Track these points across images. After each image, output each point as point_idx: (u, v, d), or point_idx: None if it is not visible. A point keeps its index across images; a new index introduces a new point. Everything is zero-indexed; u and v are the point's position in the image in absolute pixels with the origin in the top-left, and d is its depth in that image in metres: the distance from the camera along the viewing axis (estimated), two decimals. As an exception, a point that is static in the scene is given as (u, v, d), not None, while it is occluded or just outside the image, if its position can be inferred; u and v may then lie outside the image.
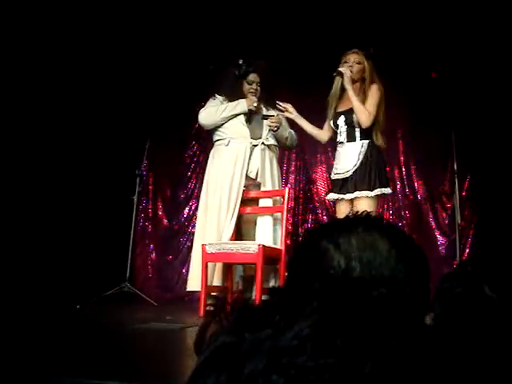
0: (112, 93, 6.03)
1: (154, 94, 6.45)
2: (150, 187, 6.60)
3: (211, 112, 4.71)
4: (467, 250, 6.06)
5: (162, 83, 6.44)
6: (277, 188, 4.76)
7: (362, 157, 4.11)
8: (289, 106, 4.53)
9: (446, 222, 6.21)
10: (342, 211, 4.10)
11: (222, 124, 4.71)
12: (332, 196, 4.25)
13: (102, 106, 5.97)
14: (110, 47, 5.95)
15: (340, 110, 4.28)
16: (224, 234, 4.52)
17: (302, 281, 0.89)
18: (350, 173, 4.11)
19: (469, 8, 5.70)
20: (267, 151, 4.73)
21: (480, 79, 5.95)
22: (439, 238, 6.22)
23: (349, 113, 4.20)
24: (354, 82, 4.20)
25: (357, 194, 4.04)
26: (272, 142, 4.77)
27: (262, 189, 4.70)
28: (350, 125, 4.19)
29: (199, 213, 4.82)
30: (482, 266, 1.12)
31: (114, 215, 5.97)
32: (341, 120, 4.23)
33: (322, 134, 4.48)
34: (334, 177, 4.28)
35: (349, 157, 4.16)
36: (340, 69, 4.19)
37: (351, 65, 4.20)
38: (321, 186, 6.49)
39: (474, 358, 1.08)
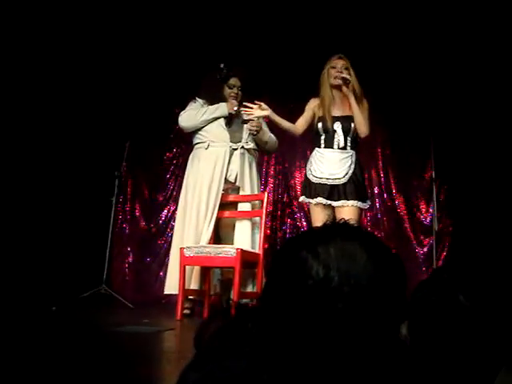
0: (92, 94, 6.00)
1: (135, 96, 6.42)
2: (129, 189, 6.57)
3: (191, 115, 4.72)
4: (443, 257, 6.13)
5: (142, 85, 6.41)
6: (256, 192, 4.77)
7: (353, 166, 4.17)
8: (262, 104, 4.39)
9: (424, 229, 6.26)
10: (322, 217, 4.09)
11: (202, 127, 4.71)
12: (319, 200, 4.19)
13: (82, 107, 5.93)
14: (90, 48, 5.92)
15: (334, 114, 4.27)
16: (202, 237, 4.52)
17: (281, 291, 0.89)
18: (343, 181, 4.14)
19: (446, 17, 5.77)
20: (247, 155, 4.74)
21: (458, 88, 6.02)
22: (416, 245, 6.27)
23: (346, 120, 4.23)
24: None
25: (352, 202, 4.09)
26: (252, 145, 4.78)
27: (241, 193, 4.71)
28: (346, 132, 4.22)
29: (178, 216, 4.81)
30: (457, 274, 1.13)
31: (92, 217, 5.94)
32: (337, 126, 4.23)
33: (297, 129, 4.40)
34: (317, 180, 4.23)
35: (340, 164, 4.18)
36: (345, 75, 4.20)
37: (341, 71, 4.22)
38: (300, 191, 6.50)
39: (447, 366, 1.09)
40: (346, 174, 4.14)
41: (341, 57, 4.29)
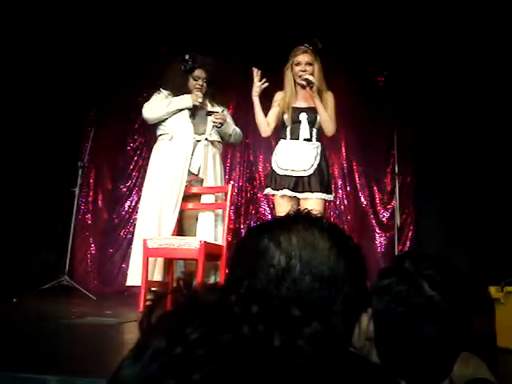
0: (54, 81, 5.91)
1: (98, 85, 6.36)
2: (91, 180, 6.51)
3: (155, 106, 4.68)
4: (405, 249, 6.21)
5: (106, 74, 6.35)
6: (219, 184, 4.76)
7: (319, 158, 4.16)
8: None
9: (386, 221, 6.34)
10: (286, 209, 4.07)
11: (166, 119, 4.68)
12: (285, 192, 4.19)
13: (43, 95, 5.84)
14: (49, 37, 5.83)
15: (299, 106, 4.28)
16: (166, 229, 4.51)
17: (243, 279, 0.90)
18: (308, 172, 4.14)
19: (416, 8, 5.83)
20: (210, 147, 4.73)
21: (424, 82, 6.09)
22: (379, 236, 6.35)
23: (312, 111, 4.23)
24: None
25: (317, 195, 4.08)
26: (216, 138, 4.77)
27: (204, 185, 4.70)
28: (311, 123, 4.23)
29: (141, 207, 4.78)
30: (419, 263, 1.15)
31: (55, 207, 5.87)
32: (303, 117, 4.24)
33: (269, 130, 4.39)
34: (282, 172, 4.22)
35: (305, 156, 4.18)
36: (309, 77, 4.19)
37: (304, 69, 4.21)
38: (264, 182, 6.52)
39: (409, 354, 1.11)
40: (312, 165, 4.14)
41: (305, 50, 4.25)
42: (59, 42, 5.90)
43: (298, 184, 4.16)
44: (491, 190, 5.65)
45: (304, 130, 4.23)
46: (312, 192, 4.10)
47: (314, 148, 4.20)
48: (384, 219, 6.38)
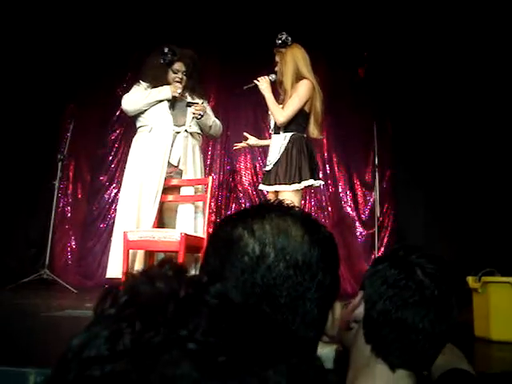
0: (31, 74, 5.86)
1: (77, 77, 6.32)
2: (71, 172, 6.47)
3: (135, 98, 4.66)
4: (385, 242, 6.26)
5: (85, 66, 6.31)
6: (199, 176, 4.76)
7: (282, 149, 4.10)
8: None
9: (367, 213, 6.38)
10: None
11: (145, 110, 4.66)
12: (260, 187, 4.28)
13: (21, 88, 5.79)
14: (26, 30, 5.78)
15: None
16: (145, 221, 4.49)
17: (217, 268, 0.90)
18: (271, 165, 4.14)
19: (394, 2, 5.87)
20: (190, 139, 4.72)
21: (404, 75, 6.13)
22: (359, 229, 6.39)
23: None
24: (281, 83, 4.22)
25: (276, 187, 4.05)
26: (195, 129, 4.76)
27: (184, 177, 4.69)
28: None
29: (120, 199, 4.76)
30: (413, 252, 1.16)
31: (34, 201, 5.83)
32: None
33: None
34: (264, 169, 4.33)
35: (273, 149, 4.18)
36: (255, 81, 4.22)
37: (277, 68, 4.24)
38: (244, 175, 6.53)
39: (398, 337, 1.13)
40: (275, 157, 4.11)
41: (275, 51, 4.24)
42: (36, 35, 5.85)
43: (267, 178, 4.17)
44: (471, 183, 5.71)
45: (272, 122, 4.27)
46: (277, 184, 4.04)
47: (280, 139, 4.15)
48: (364, 211, 6.42)
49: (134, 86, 4.77)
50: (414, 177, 6.13)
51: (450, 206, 5.82)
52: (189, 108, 4.67)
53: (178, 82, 4.72)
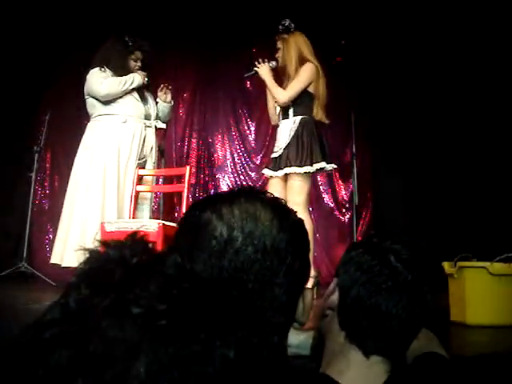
0: (8, 59, 5.78)
1: (54, 65, 6.24)
2: (47, 164, 6.41)
3: (113, 83, 4.57)
4: (363, 229, 6.31)
5: (60, 56, 6.24)
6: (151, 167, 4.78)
7: (292, 133, 4.12)
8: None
9: (344, 201, 6.42)
10: (273, 189, 4.06)
11: (116, 99, 4.62)
12: (265, 172, 4.29)
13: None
14: None
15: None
16: (111, 212, 4.48)
17: (186, 252, 0.90)
18: (281, 150, 4.13)
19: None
20: (155, 132, 4.79)
21: (382, 63, 6.15)
22: (338, 217, 6.42)
23: None
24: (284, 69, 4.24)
25: (286, 170, 4.04)
26: (162, 126, 4.82)
27: (146, 167, 4.72)
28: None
29: (76, 186, 4.68)
30: (388, 239, 1.16)
31: (10, 193, 5.78)
32: None
33: (274, 117, 4.45)
34: (271, 155, 4.31)
35: (282, 134, 4.20)
36: (255, 68, 4.24)
37: (279, 54, 4.27)
38: (222, 164, 6.53)
39: (371, 322, 1.13)
40: (286, 141, 4.13)
41: (276, 37, 4.30)
42: (11, 19, 5.78)
43: (276, 163, 4.17)
44: (448, 170, 5.76)
45: (279, 111, 4.31)
46: (288, 167, 4.03)
47: (289, 124, 4.18)
48: (343, 199, 6.45)
49: (98, 70, 4.65)
50: (392, 165, 6.16)
51: (428, 194, 5.87)
52: (158, 104, 4.73)
53: (138, 70, 4.74)
